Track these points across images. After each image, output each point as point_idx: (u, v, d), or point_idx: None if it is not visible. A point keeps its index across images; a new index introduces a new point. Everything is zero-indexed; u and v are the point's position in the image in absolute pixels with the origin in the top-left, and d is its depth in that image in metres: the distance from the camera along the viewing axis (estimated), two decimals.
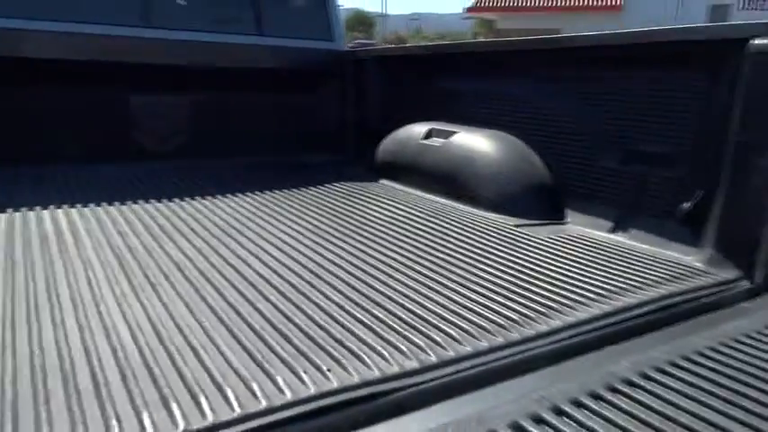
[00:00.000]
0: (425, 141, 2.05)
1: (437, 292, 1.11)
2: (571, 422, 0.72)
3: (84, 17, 2.19)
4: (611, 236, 1.52)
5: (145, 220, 1.55)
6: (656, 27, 1.56)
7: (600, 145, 1.63)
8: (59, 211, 1.60)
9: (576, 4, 34.55)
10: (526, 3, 34.38)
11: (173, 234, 1.44)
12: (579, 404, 0.76)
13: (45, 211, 1.59)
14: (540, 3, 33.74)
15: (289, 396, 0.74)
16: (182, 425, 0.68)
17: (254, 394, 0.74)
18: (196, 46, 2.37)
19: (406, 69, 2.52)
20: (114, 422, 0.68)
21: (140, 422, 0.68)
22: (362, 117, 2.67)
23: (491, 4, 34.01)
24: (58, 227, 1.46)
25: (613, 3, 34.30)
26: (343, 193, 1.97)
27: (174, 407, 0.71)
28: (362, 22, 39.55)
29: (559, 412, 0.74)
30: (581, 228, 1.59)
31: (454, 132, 1.97)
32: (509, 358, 0.88)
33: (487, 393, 0.80)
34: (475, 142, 1.87)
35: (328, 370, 0.81)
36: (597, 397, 0.77)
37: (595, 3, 34.53)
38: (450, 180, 1.87)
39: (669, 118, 1.46)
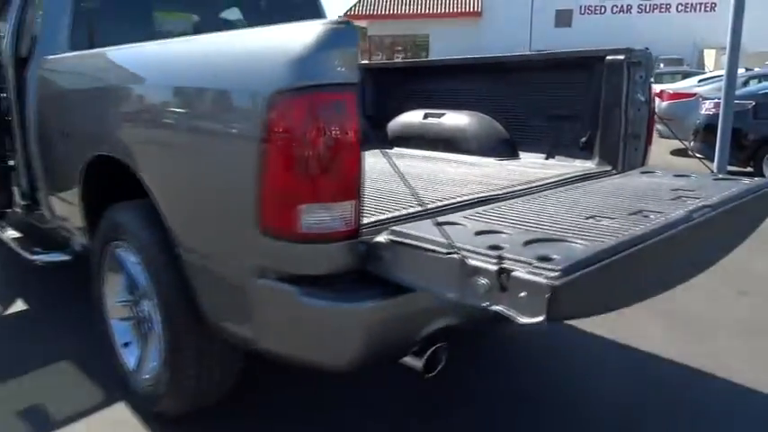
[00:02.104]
0: (425, 120, 3.33)
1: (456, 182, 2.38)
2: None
3: None
4: (547, 161, 2.89)
5: None
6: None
7: (535, 114, 3.00)
8: None
9: (441, 11, 37.10)
10: (395, 10, 36.48)
11: None
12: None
13: None
14: (407, 10, 35.97)
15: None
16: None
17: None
18: None
19: (392, 77, 3.78)
20: None
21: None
22: (363, 111, 3.89)
23: (362, 12, 35.63)
24: None
25: (474, 9, 37.20)
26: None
27: None
28: None
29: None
30: (529, 159, 2.95)
31: (444, 114, 3.26)
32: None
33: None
34: (460, 118, 3.17)
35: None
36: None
37: (458, 10, 37.27)
38: (449, 142, 3.15)
39: (571, 96, 2.84)
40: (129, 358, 2.42)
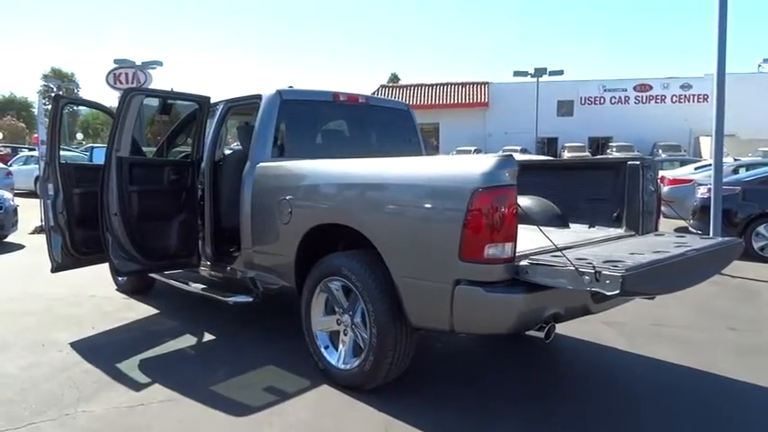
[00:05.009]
0: None
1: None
2: None
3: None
4: (589, 228, 4.31)
5: None
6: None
7: (578, 198, 4.44)
8: None
9: (452, 102, 39.72)
10: (410, 102, 39.11)
11: None
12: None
13: None
14: (423, 102, 38.63)
15: None
16: None
17: None
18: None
19: None
20: None
21: None
22: None
23: None
24: None
25: (482, 101, 39.78)
26: None
27: None
28: None
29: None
30: (577, 228, 4.36)
31: None
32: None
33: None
34: (525, 201, 4.60)
35: None
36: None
37: (467, 101, 39.86)
38: (522, 218, 4.59)
39: (603, 187, 4.29)
40: (329, 355, 3.75)
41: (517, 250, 2.97)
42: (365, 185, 3.49)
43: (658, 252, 3.06)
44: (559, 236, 3.86)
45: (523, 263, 2.90)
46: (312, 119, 4.82)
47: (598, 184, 4.35)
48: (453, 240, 2.92)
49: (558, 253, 2.94)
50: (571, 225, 4.44)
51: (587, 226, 4.37)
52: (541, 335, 3.00)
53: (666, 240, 3.58)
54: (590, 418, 3.28)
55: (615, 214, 4.20)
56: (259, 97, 4.54)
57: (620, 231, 4.11)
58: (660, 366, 4.09)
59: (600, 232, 4.10)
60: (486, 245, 2.85)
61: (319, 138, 4.89)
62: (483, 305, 2.90)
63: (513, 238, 2.90)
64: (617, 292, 2.53)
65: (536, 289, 2.86)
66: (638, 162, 4.05)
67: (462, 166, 3.05)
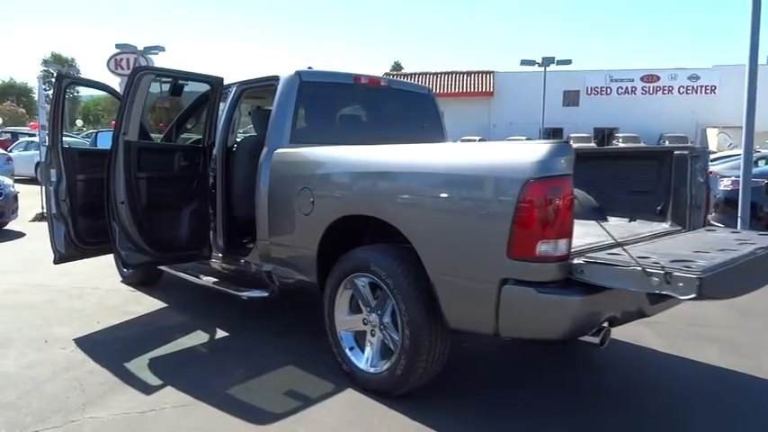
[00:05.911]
0: None
1: None
2: None
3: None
4: (630, 222, 4.02)
5: None
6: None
7: (617, 189, 4.15)
8: None
9: (458, 91, 39.30)
10: None
11: None
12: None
13: None
14: None
15: None
16: None
17: None
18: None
19: None
20: None
21: None
22: None
23: None
24: None
25: (487, 90, 39.35)
26: None
27: None
28: None
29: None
30: (616, 222, 4.07)
31: None
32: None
33: None
34: None
35: None
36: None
37: (472, 90, 39.43)
38: None
39: (647, 178, 4.00)
40: (355, 357, 3.47)
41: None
42: (400, 174, 3.19)
43: (725, 251, 2.77)
44: (601, 231, 3.58)
45: (577, 261, 2.62)
46: (332, 102, 4.52)
47: (640, 175, 4.05)
48: (501, 236, 2.64)
49: (617, 250, 2.66)
50: (609, 218, 4.16)
51: (627, 220, 4.08)
52: (596, 340, 2.72)
53: (725, 237, 3.30)
54: (644, 428, 3.01)
55: (659, 208, 3.92)
56: (276, 79, 4.24)
57: (665, 226, 3.82)
58: (707, 370, 3.82)
59: (643, 227, 3.81)
60: (538, 241, 2.56)
61: (339, 122, 4.59)
62: (534, 308, 2.62)
63: (568, 233, 2.61)
64: (692, 296, 2.24)
65: (593, 290, 2.57)
66: (686, 152, 3.75)
67: (513, 153, 2.76)
